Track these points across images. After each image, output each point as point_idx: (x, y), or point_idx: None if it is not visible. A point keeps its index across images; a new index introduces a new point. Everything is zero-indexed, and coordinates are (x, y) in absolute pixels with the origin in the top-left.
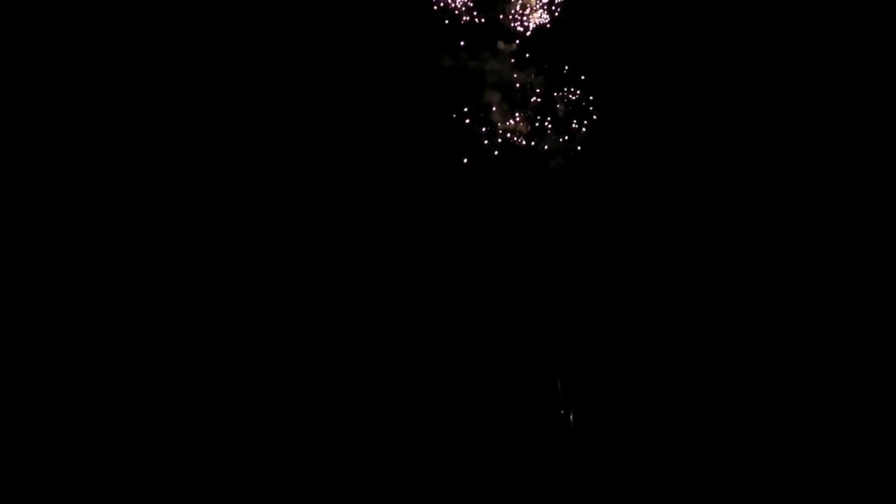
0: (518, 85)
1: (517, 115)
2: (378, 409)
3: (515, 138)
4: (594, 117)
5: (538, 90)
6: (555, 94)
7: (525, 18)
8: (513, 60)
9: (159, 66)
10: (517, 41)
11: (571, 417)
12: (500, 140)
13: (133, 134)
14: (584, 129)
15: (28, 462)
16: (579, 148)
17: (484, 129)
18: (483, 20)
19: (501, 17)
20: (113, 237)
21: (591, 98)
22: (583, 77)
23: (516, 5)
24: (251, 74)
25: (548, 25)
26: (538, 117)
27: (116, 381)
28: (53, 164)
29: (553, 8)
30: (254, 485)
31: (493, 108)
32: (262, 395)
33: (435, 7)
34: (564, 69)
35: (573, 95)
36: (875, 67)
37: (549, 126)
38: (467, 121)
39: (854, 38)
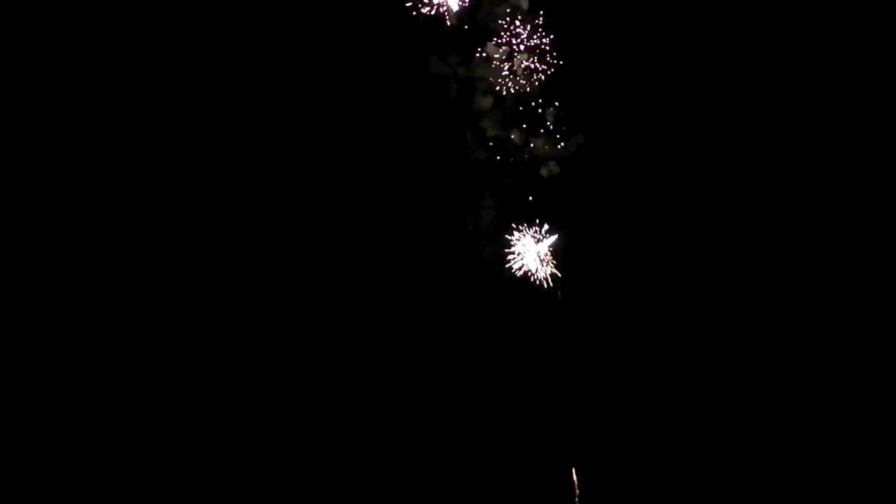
0: (510, 90)
1: (509, 120)
2: (376, 409)
3: (507, 144)
4: (587, 123)
5: (530, 95)
6: (547, 99)
7: (517, 24)
8: (504, 66)
9: (155, 67)
10: (509, 46)
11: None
12: (491, 146)
13: (133, 134)
14: (577, 135)
15: (28, 462)
16: (572, 153)
17: (475, 135)
18: (473, 26)
19: (492, 22)
20: (113, 237)
21: (583, 103)
22: (575, 80)
23: (507, 11)
24: (241, 80)
25: (540, 30)
26: (530, 123)
27: (117, 381)
28: (53, 164)
29: (545, 13)
30: (253, 485)
31: (485, 114)
32: (260, 395)
33: (423, 11)
34: (557, 74)
35: (566, 100)
36: (874, 67)
37: (542, 131)
38: (458, 127)
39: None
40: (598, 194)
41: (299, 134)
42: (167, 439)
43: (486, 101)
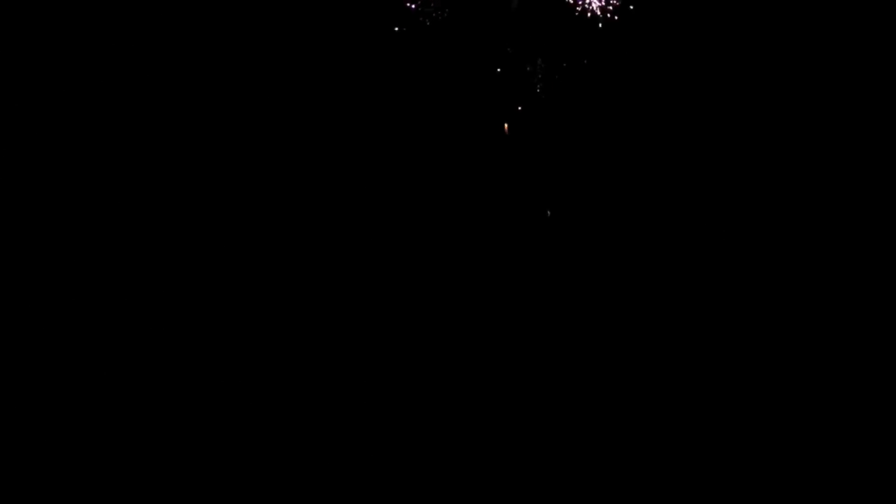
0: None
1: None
2: (378, 409)
3: (500, 142)
4: (582, 119)
5: (522, 93)
6: (541, 93)
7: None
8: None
9: (158, 66)
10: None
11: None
12: (483, 144)
13: (133, 134)
14: (571, 132)
15: (28, 462)
16: (566, 150)
17: (467, 133)
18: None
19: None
20: (114, 237)
21: (578, 99)
22: (571, 77)
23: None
24: (237, 80)
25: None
26: (523, 121)
27: (117, 381)
28: (53, 164)
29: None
30: (253, 485)
31: (477, 114)
32: (261, 395)
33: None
34: (551, 72)
35: (560, 96)
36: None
37: (534, 131)
38: (450, 124)
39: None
40: (589, 198)
41: (303, 128)
42: (167, 439)
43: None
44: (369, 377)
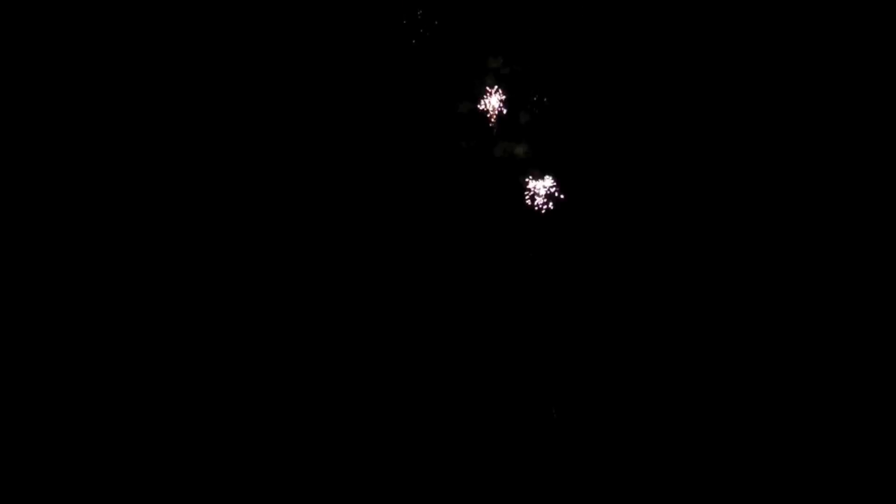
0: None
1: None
2: (379, 409)
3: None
4: (578, 124)
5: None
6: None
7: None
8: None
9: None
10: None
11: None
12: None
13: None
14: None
15: (28, 462)
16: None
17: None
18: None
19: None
20: (113, 237)
21: (574, 104)
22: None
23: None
24: (237, 81)
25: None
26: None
27: (117, 381)
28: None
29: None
30: (254, 485)
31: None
32: (262, 395)
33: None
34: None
35: (557, 98)
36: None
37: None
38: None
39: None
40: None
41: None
42: (167, 439)
43: (465, 106)
44: (364, 375)
